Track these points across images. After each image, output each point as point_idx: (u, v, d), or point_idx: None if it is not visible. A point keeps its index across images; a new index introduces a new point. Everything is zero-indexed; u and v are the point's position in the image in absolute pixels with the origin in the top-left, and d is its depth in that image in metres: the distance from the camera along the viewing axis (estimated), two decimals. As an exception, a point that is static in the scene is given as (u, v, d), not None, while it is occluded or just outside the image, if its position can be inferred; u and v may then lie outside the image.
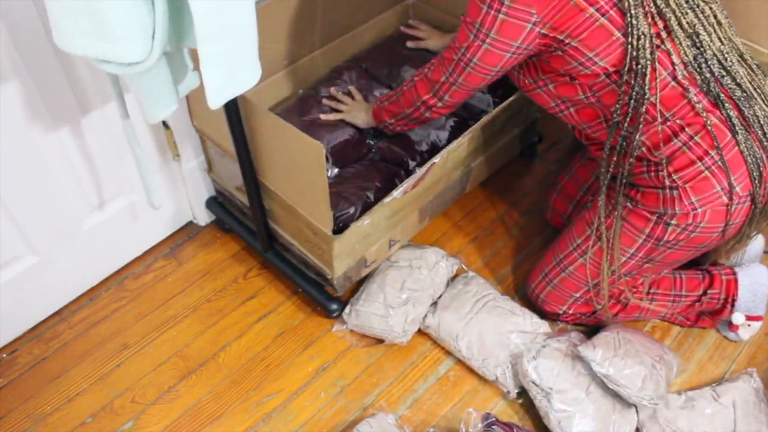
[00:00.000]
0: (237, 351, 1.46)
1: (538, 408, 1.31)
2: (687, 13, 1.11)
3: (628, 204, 1.25)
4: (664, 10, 1.10)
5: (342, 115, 1.52)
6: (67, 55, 1.19)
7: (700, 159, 1.16)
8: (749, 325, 1.43)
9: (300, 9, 1.56)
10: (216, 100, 0.97)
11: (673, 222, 1.20)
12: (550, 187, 1.64)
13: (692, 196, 1.17)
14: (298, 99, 1.61)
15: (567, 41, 1.11)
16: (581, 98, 1.20)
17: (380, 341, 1.46)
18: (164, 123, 1.45)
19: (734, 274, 1.41)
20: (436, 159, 1.37)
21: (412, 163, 1.49)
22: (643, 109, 1.14)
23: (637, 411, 1.31)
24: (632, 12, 1.07)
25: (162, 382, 1.41)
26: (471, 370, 1.42)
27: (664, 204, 1.20)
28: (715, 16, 1.14)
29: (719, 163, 1.15)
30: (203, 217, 1.69)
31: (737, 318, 1.42)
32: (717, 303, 1.42)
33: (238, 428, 1.34)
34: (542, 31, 1.11)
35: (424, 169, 1.36)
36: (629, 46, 1.09)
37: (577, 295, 1.39)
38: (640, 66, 1.10)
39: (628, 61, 1.11)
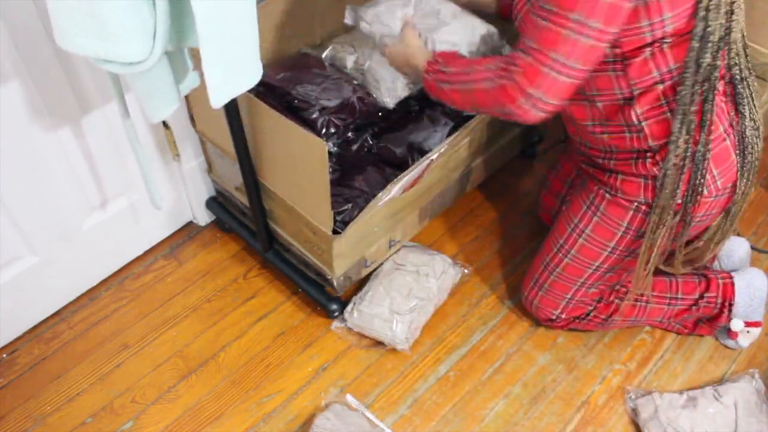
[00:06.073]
0: (237, 351, 1.46)
1: None
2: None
3: (607, 194, 1.24)
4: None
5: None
6: (68, 55, 1.19)
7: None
8: (748, 332, 1.42)
9: (300, 8, 1.55)
10: (218, 99, 0.98)
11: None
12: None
13: None
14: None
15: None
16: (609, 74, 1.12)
17: (380, 342, 1.46)
18: (164, 123, 1.45)
19: (731, 277, 1.40)
20: (434, 155, 1.37)
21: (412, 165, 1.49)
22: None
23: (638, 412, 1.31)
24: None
25: (162, 382, 1.41)
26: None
27: (645, 193, 1.19)
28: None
29: (706, 155, 1.12)
30: (203, 217, 1.69)
31: (736, 324, 1.40)
32: (714, 308, 1.40)
33: (238, 428, 1.34)
34: None
35: (423, 164, 1.35)
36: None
37: (568, 296, 1.38)
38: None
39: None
